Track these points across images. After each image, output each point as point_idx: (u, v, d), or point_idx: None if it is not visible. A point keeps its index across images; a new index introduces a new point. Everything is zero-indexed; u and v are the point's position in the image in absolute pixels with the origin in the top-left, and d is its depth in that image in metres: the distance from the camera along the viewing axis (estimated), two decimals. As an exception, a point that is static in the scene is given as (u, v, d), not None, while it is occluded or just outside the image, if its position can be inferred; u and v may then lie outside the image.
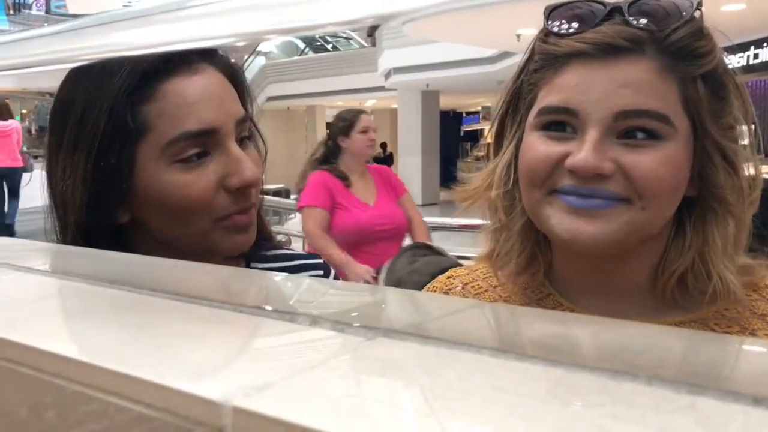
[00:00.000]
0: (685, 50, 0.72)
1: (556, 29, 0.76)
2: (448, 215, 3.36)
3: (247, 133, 0.90)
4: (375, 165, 3.47)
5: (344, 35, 22.87)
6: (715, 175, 0.75)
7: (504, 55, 11.92)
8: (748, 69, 8.31)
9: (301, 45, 23.46)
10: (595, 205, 0.72)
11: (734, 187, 0.75)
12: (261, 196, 0.94)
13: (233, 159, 0.85)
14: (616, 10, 0.73)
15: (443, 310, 0.49)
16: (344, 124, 3.19)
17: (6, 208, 8.89)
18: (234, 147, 0.86)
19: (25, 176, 8.74)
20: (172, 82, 0.83)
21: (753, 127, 0.78)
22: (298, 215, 7.08)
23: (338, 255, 2.94)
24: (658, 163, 0.71)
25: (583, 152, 0.71)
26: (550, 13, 0.77)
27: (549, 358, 0.34)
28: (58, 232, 0.90)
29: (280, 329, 0.43)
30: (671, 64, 0.72)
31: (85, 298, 0.55)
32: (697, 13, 0.73)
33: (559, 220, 0.74)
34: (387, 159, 17.20)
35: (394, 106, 17.38)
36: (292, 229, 6.81)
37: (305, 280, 0.61)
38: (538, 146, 0.76)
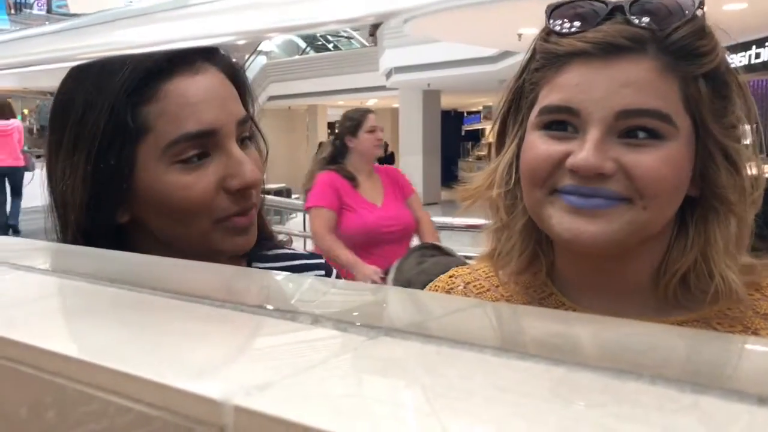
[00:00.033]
0: (687, 49, 0.72)
1: (557, 28, 0.76)
2: (450, 215, 3.35)
3: (248, 133, 0.90)
4: (382, 165, 3.44)
5: (345, 35, 22.87)
6: (717, 174, 0.75)
7: (505, 54, 11.91)
8: (749, 68, 8.30)
9: (303, 44, 23.46)
10: (596, 205, 0.72)
11: (736, 187, 0.75)
12: (262, 195, 0.94)
13: (234, 160, 0.85)
14: (617, 8, 0.73)
15: (445, 309, 0.48)
16: (351, 123, 3.17)
17: (9, 207, 8.92)
18: (234, 148, 0.85)
19: (28, 175, 8.77)
20: (173, 83, 0.83)
21: (755, 126, 0.78)
22: (300, 215, 7.07)
23: (345, 256, 2.92)
24: (659, 162, 0.71)
25: (584, 152, 0.71)
26: (552, 11, 0.77)
27: (551, 358, 0.34)
28: (59, 231, 0.89)
29: (281, 328, 0.43)
30: (673, 63, 0.72)
31: (86, 296, 0.54)
32: (699, 12, 0.73)
33: (560, 219, 0.74)
34: (388, 158, 17.20)
35: (396, 105, 17.39)
36: (294, 228, 6.82)
37: (307, 279, 0.61)
38: (540, 146, 0.76)
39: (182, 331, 0.44)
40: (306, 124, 23.60)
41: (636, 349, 0.36)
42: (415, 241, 3.16)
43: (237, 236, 0.87)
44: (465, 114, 25.96)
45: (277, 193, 9.74)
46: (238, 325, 0.45)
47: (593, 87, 0.72)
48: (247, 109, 0.91)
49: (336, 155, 3.20)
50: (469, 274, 0.95)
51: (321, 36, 23.09)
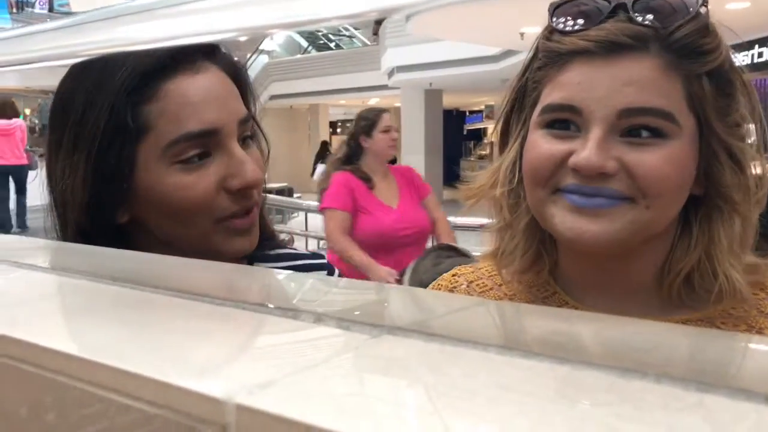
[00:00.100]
0: (690, 47, 0.72)
1: (560, 26, 0.75)
2: (452, 214, 3.32)
3: (249, 132, 0.90)
4: (398, 165, 3.39)
5: (347, 33, 22.86)
6: (721, 173, 0.75)
7: (508, 53, 11.90)
8: (752, 67, 8.28)
9: (304, 43, 23.46)
10: (598, 204, 0.72)
11: (740, 186, 0.75)
12: (264, 195, 0.93)
13: (235, 160, 0.84)
14: (620, 6, 0.73)
15: (448, 307, 0.48)
16: (366, 123, 3.12)
17: (12, 205, 9.00)
18: (236, 148, 0.85)
19: (31, 174, 8.85)
20: (173, 82, 0.82)
21: (759, 125, 0.77)
22: (301, 214, 7.07)
23: (360, 257, 2.88)
24: (662, 161, 0.71)
25: (586, 151, 0.71)
26: (555, 9, 0.76)
27: (556, 356, 0.34)
28: (59, 230, 0.89)
29: (283, 327, 0.43)
30: (676, 61, 0.71)
31: (87, 295, 0.54)
32: (702, 10, 0.73)
33: (563, 218, 0.74)
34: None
35: (398, 104, 17.39)
36: (295, 227, 6.82)
37: (309, 277, 0.61)
38: (542, 145, 0.75)
39: (184, 329, 0.44)
40: (308, 124, 23.61)
41: (641, 347, 0.36)
42: (431, 242, 3.12)
43: (238, 238, 0.87)
44: (467, 113, 25.94)
45: (279, 192, 9.74)
46: (240, 323, 0.45)
47: (595, 85, 0.71)
48: (248, 108, 0.91)
49: (351, 156, 3.15)
50: (472, 272, 0.95)
51: (323, 35, 23.10)
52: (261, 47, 21.06)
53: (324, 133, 23.25)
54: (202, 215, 0.84)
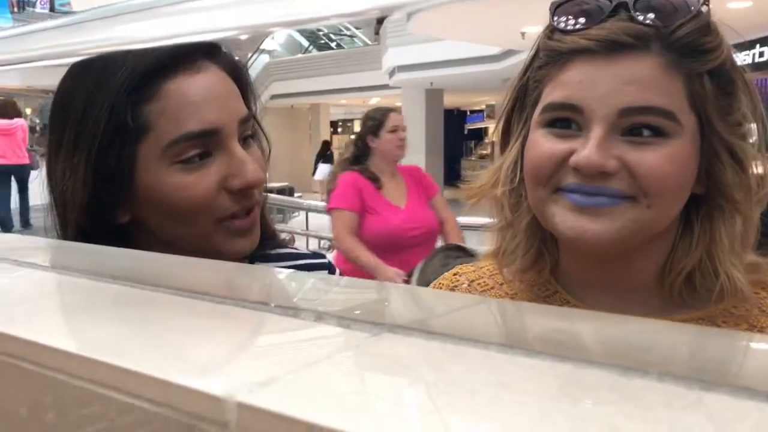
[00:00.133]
0: (691, 46, 0.72)
1: (561, 25, 0.75)
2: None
3: (250, 131, 0.89)
4: (406, 165, 3.36)
5: (348, 33, 22.86)
6: (723, 172, 0.74)
7: (509, 53, 11.91)
8: (754, 67, 8.27)
9: (305, 43, 23.46)
10: (599, 203, 0.72)
11: (742, 185, 0.75)
12: (265, 194, 0.93)
13: (236, 160, 0.84)
14: (622, 5, 0.73)
15: (449, 306, 0.48)
16: (373, 123, 3.09)
17: (14, 204, 9.06)
18: (236, 147, 0.84)
19: (32, 173, 8.90)
20: (174, 81, 0.82)
21: (761, 124, 0.77)
22: (302, 213, 7.07)
23: (367, 258, 2.86)
24: (663, 160, 0.70)
25: (587, 150, 0.71)
26: (556, 9, 0.76)
27: (557, 354, 0.34)
28: (59, 230, 0.89)
29: (284, 325, 0.43)
30: (677, 60, 0.71)
31: (87, 293, 0.54)
32: (704, 8, 0.73)
33: (564, 218, 0.74)
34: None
35: (398, 104, 17.39)
36: (296, 227, 6.83)
37: (310, 276, 0.61)
38: (543, 144, 0.75)
39: (184, 327, 0.44)
40: (308, 123, 23.61)
41: (642, 346, 0.36)
42: (439, 243, 3.10)
43: (239, 238, 0.86)
44: (468, 113, 25.94)
45: (280, 191, 9.75)
46: (241, 321, 0.45)
47: (596, 84, 0.71)
48: (249, 108, 0.91)
49: (359, 156, 3.12)
50: (474, 272, 0.95)
51: (324, 34, 23.10)
52: (262, 47, 21.07)
53: (325, 133, 23.26)
54: (203, 215, 0.83)
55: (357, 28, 22.33)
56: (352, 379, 0.35)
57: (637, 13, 0.72)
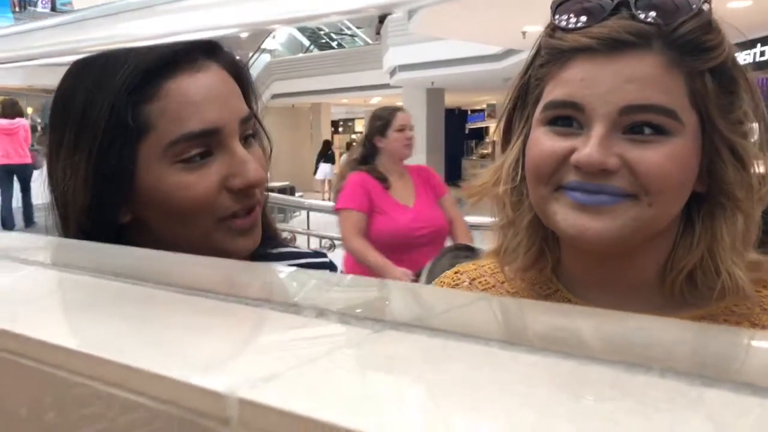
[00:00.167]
0: (693, 44, 0.72)
1: (563, 24, 0.75)
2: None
3: (251, 131, 0.89)
4: (414, 164, 3.29)
5: (349, 32, 22.86)
6: (724, 170, 0.74)
7: (510, 52, 11.91)
8: (755, 66, 8.23)
9: (306, 42, 23.47)
10: (600, 201, 0.72)
11: (743, 183, 0.75)
12: (266, 193, 0.93)
13: (237, 159, 0.83)
14: (623, 3, 0.73)
15: (451, 303, 0.48)
16: (380, 123, 3.06)
17: (16, 203, 9.11)
18: (238, 147, 0.84)
19: (35, 173, 8.95)
20: (174, 81, 0.82)
21: (763, 123, 0.77)
22: (303, 213, 7.06)
23: (375, 258, 2.84)
24: (664, 158, 0.70)
25: (588, 148, 0.71)
26: (557, 7, 0.76)
27: (560, 351, 0.34)
28: (60, 230, 0.89)
29: (285, 322, 0.43)
30: (678, 58, 0.71)
31: (88, 291, 0.54)
32: (705, 7, 0.73)
33: (565, 216, 0.74)
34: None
35: (399, 103, 17.40)
36: (297, 226, 6.83)
37: (311, 273, 0.61)
38: (544, 142, 0.75)
39: (186, 324, 0.44)
40: (309, 122, 23.62)
41: (645, 342, 0.36)
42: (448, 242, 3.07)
43: (240, 237, 0.86)
44: (469, 112, 25.95)
45: (281, 191, 9.76)
46: (242, 318, 0.45)
47: (597, 82, 0.71)
48: (250, 107, 0.90)
49: (366, 156, 3.09)
50: (475, 270, 0.95)
51: (325, 34, 23.11)
52: (263, 46, 21.08)
53: (326, 132, 23.27)
54: (204, 215, 0.83)
55: (358, 28, 22.33)
56: (354, 376, 0.34)
57: (639, 12, 0.72)
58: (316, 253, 1.14)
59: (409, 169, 3.18)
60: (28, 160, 9.08)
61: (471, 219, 3.10)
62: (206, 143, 0.82)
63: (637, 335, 0.37)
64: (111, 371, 0.36)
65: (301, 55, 22.49)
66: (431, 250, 2.85)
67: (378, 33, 18.00)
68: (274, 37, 22.31)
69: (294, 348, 0.38)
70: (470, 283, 0.94)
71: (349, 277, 0.49)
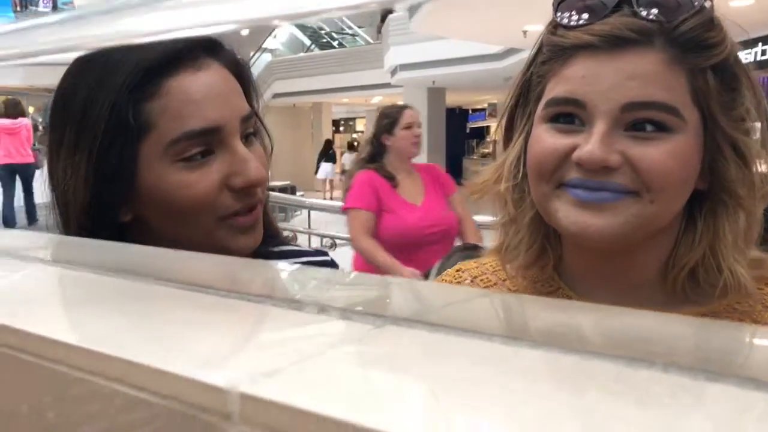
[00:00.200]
0: (695, 41, 0.71)
1: (564, 21, 0.75)
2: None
3: (252, 129, 0.89)
4: (423, 163, 3.25)
5: (350, 32, 22.87)
6: (726, 167, 0.74)
7: (510, 51, 11.91)
8: (756, 66, 8.22)
9: (307, 42, 23.48)
10: (602, 198, 0.72)
11: (745, 180, 0.74)
12: (267, 192, 0.93)
13: (238, 158, 0.83)
14: (625, 1, 0.72)
15: (452, 298, 0.48)
16: (387, 121, 3.04)
17: (18, 202, 9.16)
18: (239, 146, 0.84)
19: (37, 172, 9.00)
20: (175, 79, 0.81)
21: (765, 121, 0.77)
22: (305, 212, 7.05)
23: (383, 258, 2.81)
24: (666, 155, 0.70)
25: (589, 145, 0.71)
26: (559, 4, 0.76)
27: (562, 346, 0.33)
28: (61, 229, 0.88)
29: (287, 318, 0.43)
30: (680, 55, 0.71)
31: (89, 287, 0.54)
32: (707, 4, 0.72)
33: (567, 213, 0.73)
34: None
35: (401, 102, 17.40)
36: (298, 225, 6.83)
37: (313, 269, 0.61)
38: (546, 139, 0.75)
39: (187, 320, 0.44)
40: (310, 122, 23.63)
41: (648, 337, 0.35)
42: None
43: (242, 235, 0.86)
44: (470, 111, 25.95)
45: (282, 190, 9.76)
46: (243, 314, 0.45)
47: (599, 79, 0.71)
48: (251, 105, 0.90)
49: (375, 154, 3.07)
50: (477, 268, 0.95)
51: (326, 33, 23.11)
52: (264, 45, 21.09)
53: (327, 132, 23.29)
54: (205, 213, 0.83)
55: (359, 27, 22.34)
56: (355, 371, 0.34)
57: (641, 9, 0.71)
58: (318, 252, 1.13)
59: (418, 168, 3.15)
60: (31, 160, 9.13)
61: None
62: (207, 142, 0.82)
63: (641, 330, 0.37)
64: (112, 366, 0.36)
65: (302, 54, 22.50)
66: (440, 248, 2.83)
67: (379, 32, 18.01)
68: (275, 36, 22.33)
69: (295, 343, 0.38)
70: (472, 281, 0.94)
71: (350, 273, 0.49)
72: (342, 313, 0.41)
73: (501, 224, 0.85)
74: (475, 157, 21.25)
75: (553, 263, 0.84)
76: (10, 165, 8.97)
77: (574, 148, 0.73)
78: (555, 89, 0.75)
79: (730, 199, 0.75)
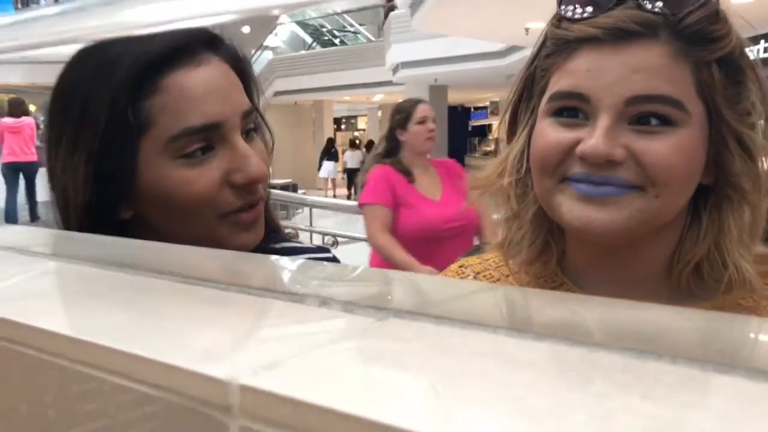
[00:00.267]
0: (700, 34, 0.71)
1: (568, 14, 0.74)
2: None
3: (253, 125, 0.88)
4: (440, 158, 3.21)
5: (352, 30, 22.87)
6: (731, 161, 0.74)
7: (512, 49, 11.90)
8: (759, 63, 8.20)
9: (309, 39, 23.48)
10: (606, 193, 0.71)
11: (750, 175, 0.74)
12: (269, 189, 0.92)
13: (239, 154, 0.83)
14: None
15: (455, 291, 0.48)
16: (401, 116, 3.00)
17: (21, 200, 9.22)
18: (239, 142, 0.83)
19: (41, 170, 9.07)
20: (175, 75, 0.81)
21: None
22: (306, 210, 7.05)
23: (402, 256, 2.77)
24: (671, 149, 0.70)
25: (593, 139, 0.70)
26: (563, -3, 0.75)
27: (568, 338, 0.33)
28: (61, 227, 0.88)
29: (288, 310, 0.42)
30: (685, 48, 0.70)
31: (90, 280, 0.54)
32: (713, -4, 0.72)
33: (570, 207, 0.73)
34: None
35: (402, 100, 17.39)
36: (299, 223, 6.83)
37: (314, 263, 0.60)
38: (550, 133, 0.75)
39: (188, 313, 0.43)
40: (312, 120, 23.63)
41: (655, 329, 0.35)
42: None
43: (243, 232, 0.85)
44: (472, 109, 25.95)
45: (283, 188, 9.76)
46: (245, 307, 0.45)
47: (603, 73, 0.71)
48: (252, 100, 0.89)
49: (390, 150, 3.03)
50: (480, 264, 0.94)
51: (327, 31, 23.11)
52: (265, 43, 21.09)
53: (328, 130, 23.30)
54: (206, 210, 0.82)
55: (361, 24, 22.34)
56: (357, 363, 0.34)
57: (645, 1, 0.71)
58: (320, 248, 1.13)
59: (435, 162, 3.11)
60: (34, 158, 9.19)
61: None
62: (207, 138, 0.81)
63: (648, 322, 0.36)
64: (113, 359, 0.36)
65: (303, 52, 22.50)
66: (459, 243, 2.79)
67: (381, 30, 18.02)
68: (276, 34, 22.34)
69: (297, 336, 0.38)
70: (475, 277, 0.93)
71: (353, 267, 0.48)
72: (344, 306, 0.41)
73: (504, 219, 0.85)
74: (477, 155, 21.24)
75: (556, 258, 0.83)
76: (15, 163, 9.05)
77: (577, 142, 0.72)
78: (559, 83, 0.75)
79: (735, 193, 0.74)
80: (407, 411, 0.28)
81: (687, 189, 0.74)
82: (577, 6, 0.74)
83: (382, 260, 2.89)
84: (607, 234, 0.72)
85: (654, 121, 0.70)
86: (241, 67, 0.89)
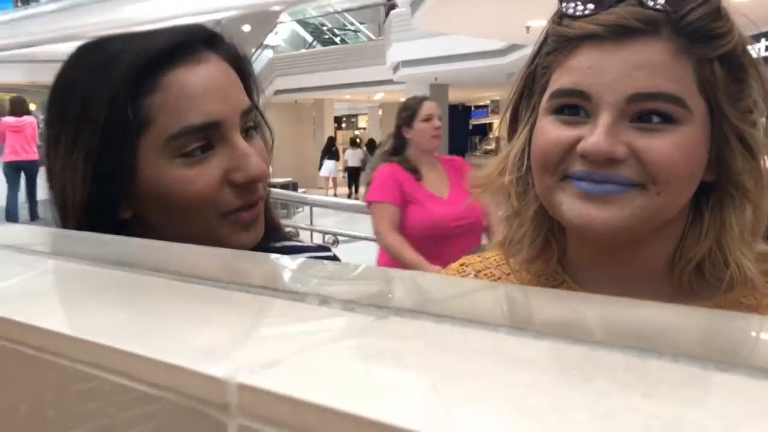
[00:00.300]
0: (702, 31, 0.71)
1: (570, 11, 0.74)
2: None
3: (252, 123, 0.88)
4: (447, 156, 3.19)
5: (353, 28, 22.86)
6: (733, 159, 0.73)
7: (513, 47, 11.90)
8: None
9: (309, 38, 23.48)
10: (607, 191, 0.71)
11: (752, 172, 0.74)
12: (269, 188, 0.92)
13: (238, 153, 0.82)
14: None
15: (456, 290, 0.47)
16: (407, 113, 2.98)
17: (22, 199, 9.24)
18: (239, 140, 0.83)
19: (41, 169, 9.08)
20: (174, 73, 0.80)
21: None
22: (306, 209, 7.04)
23: (410, 255, 2.76)
24: (672, 147, 0.70)
25: (594, 136, 0.70)
26: (564, -6, 0.75)
27: (569, 336, 0.33)
28: (60, 226, 0.87)
29: (288, 309, 0.42)
30: (687, 45, 0.70)
31: (88, 279, 0.54)
32: (715, -8, 0.72)
33: (571, 205, 0.73)
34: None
35: (403, 99, 17.40)
36: (300, 222, 6.83)
37: (314, 261, 0.60)
38: (551, 131, 0.74)
39: (188, 312, 0.43)
40: (313, 118, 23.63)
41: (656, 327, 0.35)
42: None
43: (243, 232, 0.85)
44: (472, 108, 25.95)
45: (283, 187, 9.75)
46: (244, 306, 0.44)
47: (605, 70, 0.70)
48: (251, 99, 0.89)
49: (397, 148, 3.01)
50: (480, 262, 0.94)
51: (328, 30, 23.11)
52: (266, 42, 21.08)
53: (329, 128, 23.29)
54: (206, 209, 0.82)
55: (361, 23, 22.34)
56: (357, 362, 0.34)
57: (647, -2, 0.71)
58: (321, 247, 1.12)
59: (443, 160, 3.10)
60: (35, 157, 9.21)
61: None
62: (207, 136, 0.81)
63: (649, 320, 0.36)
64: (111, 358, 0.36)
65: (303, 50, 22.51)
66: (467, 240, 2.79)
67: (381, 28, 18.01)
68: (276, 33, 22.33)
69: (296, 335, 0.38)
70: (475, 275, 0.93)
71: (353, 265, 0.48)
72: (344, 305, 0.41)
73: (504, 217, 0.85)
74: (477, 154, 21.24)
75: (557, 257, 0.83)
76: (16, 162, 9.09)
77: (578, 140, 0.72)
78: (560, 80, 0.74)
79: (737, 191, 0.74)
80: (407, 410, 0.28)
81: (689, 187, 0.74)
82: (578, 3, 0.74)
83: (390, 259, 2.88)
84: (608, 232, 0.72)
85: (656, 119, 0.70)
86: (240, 65, 0.89)
